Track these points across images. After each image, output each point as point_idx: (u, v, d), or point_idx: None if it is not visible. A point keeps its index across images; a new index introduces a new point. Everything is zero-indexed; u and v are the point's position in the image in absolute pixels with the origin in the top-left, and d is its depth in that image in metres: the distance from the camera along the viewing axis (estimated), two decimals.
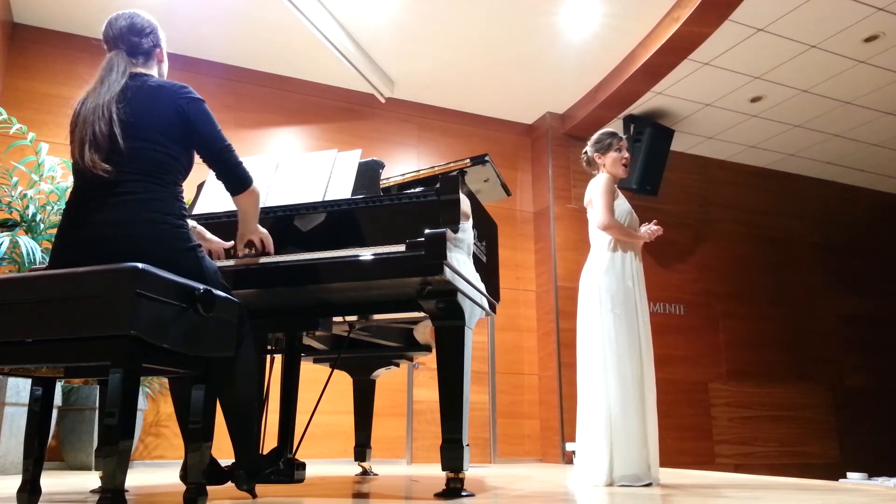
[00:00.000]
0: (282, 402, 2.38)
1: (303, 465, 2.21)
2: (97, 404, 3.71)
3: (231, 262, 2.19)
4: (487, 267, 2.63)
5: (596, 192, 3.11)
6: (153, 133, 1.80)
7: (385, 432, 5.03)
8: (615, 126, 6.01)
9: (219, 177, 1.98)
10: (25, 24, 4.83)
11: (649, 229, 3.15)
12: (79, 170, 1.81)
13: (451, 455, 2.15)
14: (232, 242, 2.21)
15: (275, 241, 2.35)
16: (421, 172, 2.78)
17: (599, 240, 3.12)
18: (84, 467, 3.84)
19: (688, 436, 5.94)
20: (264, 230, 2.18)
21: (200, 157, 1.94)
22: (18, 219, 3.80)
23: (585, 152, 3.30)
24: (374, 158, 2.64)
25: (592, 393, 2.91)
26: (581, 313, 3.10)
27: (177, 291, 1.60)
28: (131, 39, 1.96)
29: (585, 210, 3.25)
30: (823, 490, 2.66)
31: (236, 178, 1.98)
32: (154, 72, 2.00)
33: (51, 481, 2.93)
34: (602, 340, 2.93)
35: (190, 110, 1.87)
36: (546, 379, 5.70)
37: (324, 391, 2.66)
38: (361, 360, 3.44)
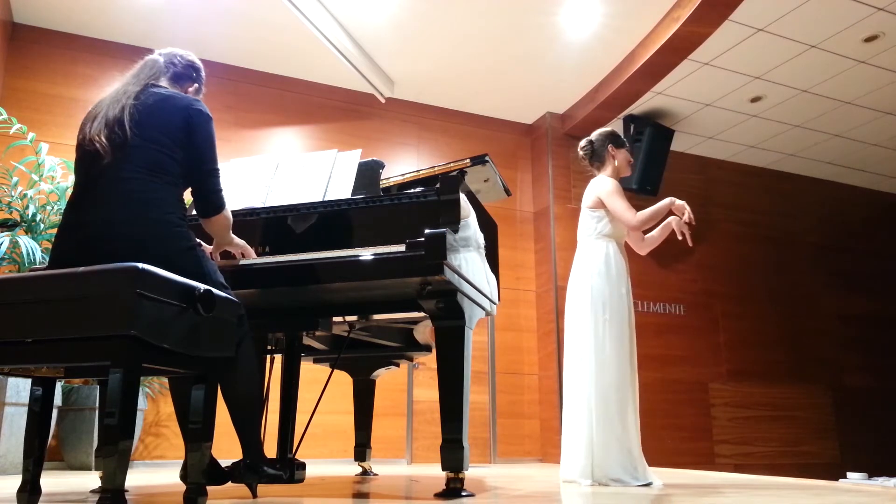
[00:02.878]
0: (282, 402, 2.38)
1: (303, 465, 2.21)
2: (97, 404, 3.71)
3: (231, 262, 2.20)
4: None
5: (608, 193, 3.03)
6: (159, 135, 1.82)
7: (385, 432, 5.03)
8: (615, 126, 6.01)
9: (194, 194, 1.98)
10: (25, 23, 4.83)
11: (679, 204, 3.05)
12: (81, 154, 1.83)
13: (451, 455, 2.15)
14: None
15: (274, 241, 2.35)
16: (421, 172, 2.78)
17: (591, 242, 3.08)
18: (84, 467, 3.84)
19: (688, 436, 5.94)
20: (241, 241, 2.18)
21: (186, 169, 1.90)
22: (18, 219, 3.80)
23: (591, 143, 3.20)
24: (374, 158, 2.65)
25: (577, 395, 2.92)
26: (570, 315, 3.07)
27: (177, 291, 1.60)
28: (173, 58, 2.09)
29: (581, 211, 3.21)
30: (823, 490, 2.66)
31: (211, 203, 1.98)
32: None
33: (51, 481, 2.93)
34: (591, 345, 2.91)
35: (195, 121, 1.90)
36: (546, 379, 5.70)
37: (324, 391, 2.66)
38: (361, 360, 3.44)
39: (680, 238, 3.18)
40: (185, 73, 2.09)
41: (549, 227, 5.91)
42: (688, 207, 2.99)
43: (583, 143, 3.26)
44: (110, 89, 1.93)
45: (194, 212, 2.54)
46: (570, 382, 2.99)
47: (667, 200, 3.06)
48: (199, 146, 1.90)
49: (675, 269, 6.36)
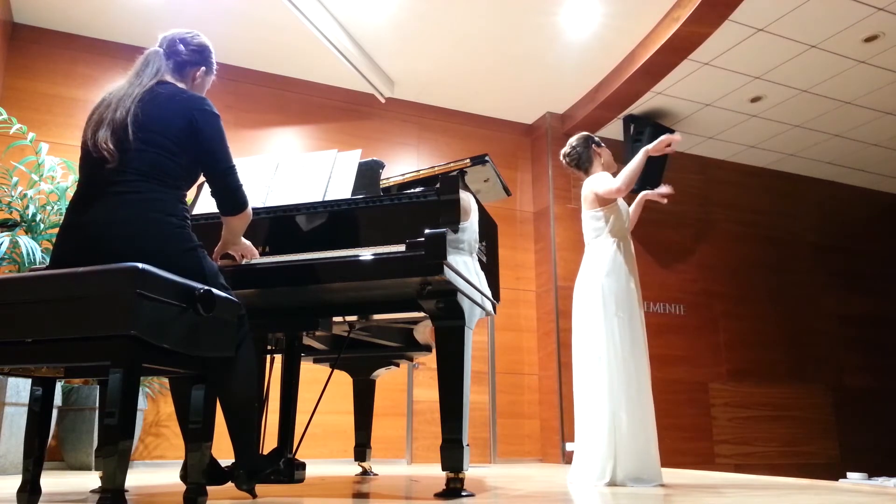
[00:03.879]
0: (282, 402, 2.38)
1: (303, 465, 2.21)
2: (97, 404, 3.71)
3: (232, 262, 2.20)
4: (487, 267, 2.63)
5: (600, 184, 3.06)
6: (161, 138, 1.81)
7: (385, 432, 5.03)
8: (615, 126, 6.02)
9: (215, 194, 1.96)
10: (25, 23, 4.83)
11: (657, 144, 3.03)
12: (85, 157, 1.82)
13: (451, 455, 2.15)
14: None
15: (275, 241, 2.35)
16: (421, 172, 2.78)
17: (599, 243, 3.09)
18: (84, 467, 3.84)
19: (688, 436, 5.94)
20: (248, 243, 2.17)
21: (202, 171, 1.93)
22: (18, 219, 3.80)
23: (574, 148, 3.24)
24: (374, 158, 2.65)
25: (595, 395, 2.88)
26: (580, 315, 3.05)
27: (177, 291, 1.60)
28: (175, 46, 2.02)
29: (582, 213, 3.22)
30: (823, 490, 2.66)
31: (235, 201, 1.96)
32: (182, 86, 2.00)
33: (51, 481, 2.93)
34: (606, 343, 2.89)
35: (202, 123, 1.87)
36: (546, 379, 5.70)
37: (324, 391, 2.66)
38: (361, 360, 3.44)
39: (659, 199, 3.14)
40: (189, 60, 2.03)
41: (549, 227, 5.91)
42: (663, 140, 3.01)
43: (565, 150, 3.29)
44: (114, 87, 1.90)
45: (196, 211, 2.56)
46: (583, 383, 2.96)
47: (640, 153, 3.04)
48: (208, 146, 1.88)
49: (675, 269, 6.35)
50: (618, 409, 2.81)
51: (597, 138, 3.28)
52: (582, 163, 3.24)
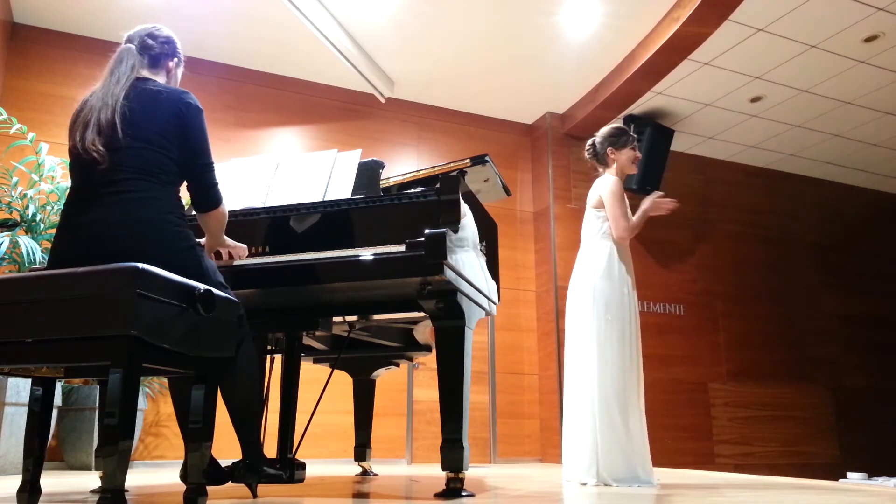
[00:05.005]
0: (282, 402, 2.38)
1: (303, 465, 2.21)
2: (97, 404, 3.71)
3: (230, 262, 2.20)
4: (487, 267, 2.63)
5: (608, 197, 3.03)
6: (152, 134, 1.81)
7: (385, 432, 5.03)
8: None
9: (190, 188, 1.96)
10: (25, 24, 4.83)
11: (654, 202, 3.07)
12: (76, 161, 1.82)
13: (451, 455, 2.15)
14: None
15: (274, 241, 2.35)
16: (421, 172, 2.78)
17: (595, 242, 3.08)
18: (84, 467, 3.84)
19: (688, 436, 5.94)
20: (233, 242, 2.17)
21: (182, 165, 1.90)
22: (18, 219, 3.80)
23: (593, 145, 3.20)
24: (374, 158, 2.65)
25: (579, 396, 2.91)
26: (572, 315, 3.05)
27: (177, 291, 1.60)
28: (145, 41, 2.02)
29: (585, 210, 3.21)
30: (823, 490, 2.66)
31: (207, 197, 1.97)
32: (160, 79, 2.01)
33: (51, 481, 2.93)
34: (592, 344, 2.90)
35: (187, 116, 1.87)
36: (546, 379, 5.70)
37: (324, 391, 2.66)
38: (361, 360, 3.44)
39: (666, 212, 3.15)
40: (162, 52, 2.04)
41: (549, 227, 5.91)
42: (661, 200, 3.04)
43: (587, 145, 3.27)
44: (93, 89, 1.90)
45: (194, 212, 2.56)
46: (571, 383, 2.98)
47: (645, 205, 3.08)
48: (192, 141, 1.89)
49: (675, 269, 6.35)
50: (600, 411, 2.82)
51: (623, 138, 3.17)
52: (598, 161, 3.23)
